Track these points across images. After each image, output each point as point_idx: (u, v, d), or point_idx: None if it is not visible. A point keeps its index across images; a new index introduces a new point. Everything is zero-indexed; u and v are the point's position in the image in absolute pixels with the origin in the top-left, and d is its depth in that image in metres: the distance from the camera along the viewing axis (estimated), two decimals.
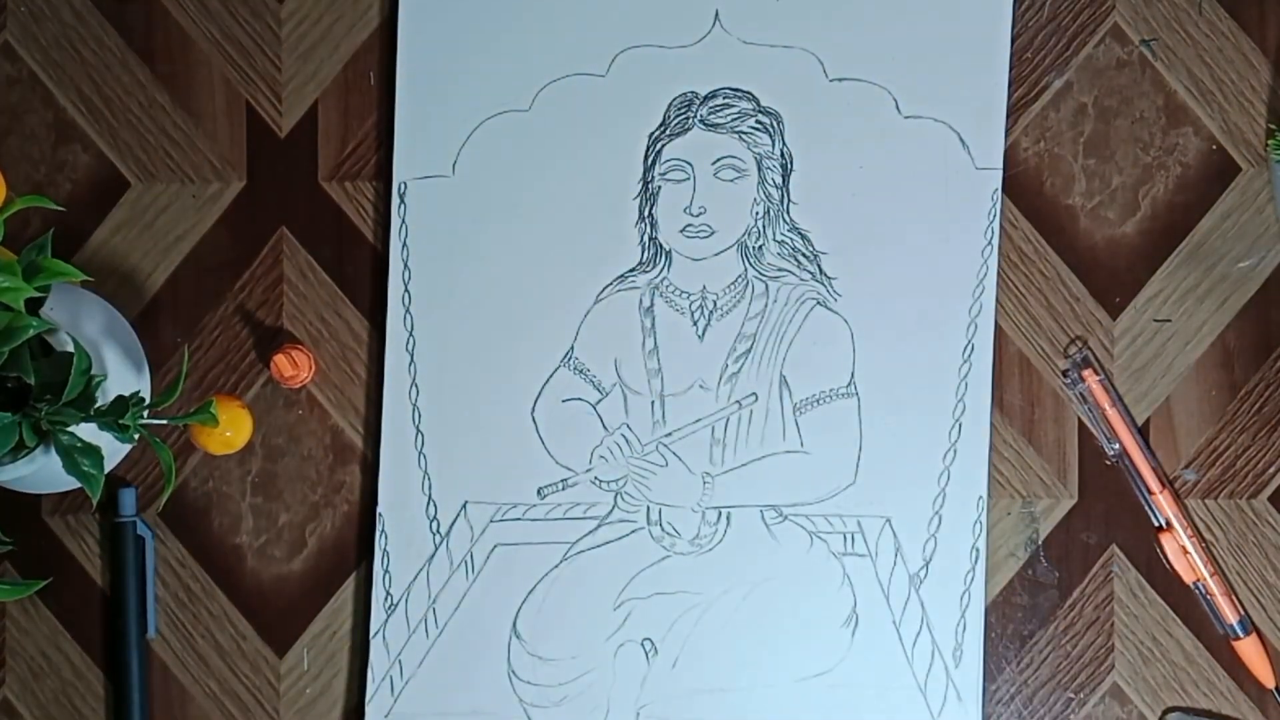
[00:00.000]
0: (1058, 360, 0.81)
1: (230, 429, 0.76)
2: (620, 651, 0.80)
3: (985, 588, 0.80)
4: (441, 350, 0.81)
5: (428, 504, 0.80)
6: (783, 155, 0.80)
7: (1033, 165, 0.81)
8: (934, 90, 0.80)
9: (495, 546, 0.80)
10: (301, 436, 0.82)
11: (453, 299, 0.81)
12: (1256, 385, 0.81)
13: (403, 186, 0.81)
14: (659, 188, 0.81)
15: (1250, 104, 0.81)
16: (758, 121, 0.80)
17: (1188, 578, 0.80)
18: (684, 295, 0.81)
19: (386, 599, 0.80)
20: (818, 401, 0.80)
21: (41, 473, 0.73)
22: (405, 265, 0.81)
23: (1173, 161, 0.81)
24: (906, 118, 0.80)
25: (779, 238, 0.80)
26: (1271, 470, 0.81)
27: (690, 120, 0.81)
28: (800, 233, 0.80)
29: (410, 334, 0.81)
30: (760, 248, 0.80)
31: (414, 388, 0.81)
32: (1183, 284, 0.81)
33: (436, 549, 0.80)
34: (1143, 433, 0.81)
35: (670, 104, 0.81)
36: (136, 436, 0.72)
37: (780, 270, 0.80)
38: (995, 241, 0.80)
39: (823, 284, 0.80)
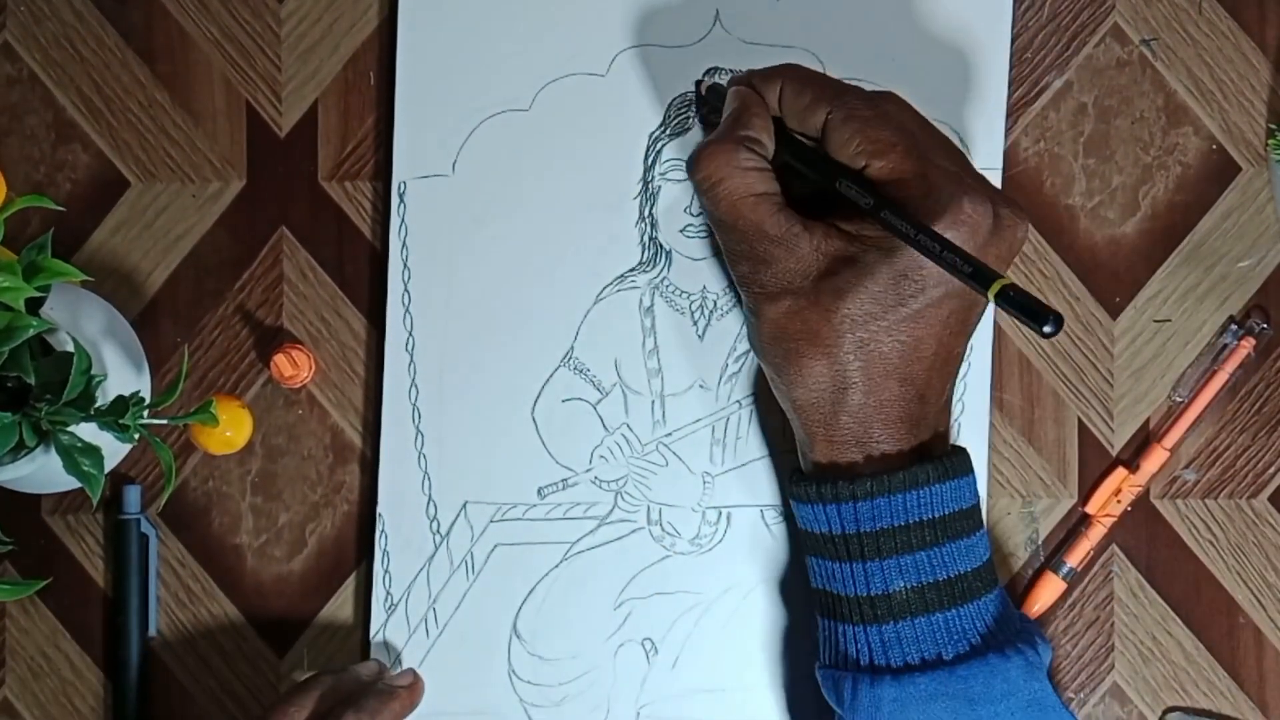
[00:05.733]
0: (1057, 360, 0.81)
1: (230, 429, 0.77)
2: (620, 651, 0.80)
3: None
4: (441, 350, 0.80)
5: (428, 504, 0.80)
6: None
7: (1033, 165, 0.81)
8: (934, 90, 0.79)
9: (495, 546, 0.80)
10: (301, 436, 0.82)
11: (453, 299, 0.81)
12: (1256, 385, 0.81)
13: (402, 186, 0.81)
14: (659, 187, 0.81)
15: (1250, 104, 0.81)
16: None
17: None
18: (684, 295, 0.81)
19: (386, 599, 0.80)
20: None
21: (41, 473, 0.73)
22: (405, 265, 0.81)
23: (1173, 161, 0.81)
24: None
25: None
26: (1271, 470, 0.81)
27: (691, 120, 0.81)
28: None
29: (410, 334, 0.81)
30: None
31: (414, 388, 0.80)
32: (1183, 284, 0.81)
33: (436, 549, 0.80)
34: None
35: (670, 104, 0.81)
36: (137, 436, 0.72)
37: None
38: None
39: None
